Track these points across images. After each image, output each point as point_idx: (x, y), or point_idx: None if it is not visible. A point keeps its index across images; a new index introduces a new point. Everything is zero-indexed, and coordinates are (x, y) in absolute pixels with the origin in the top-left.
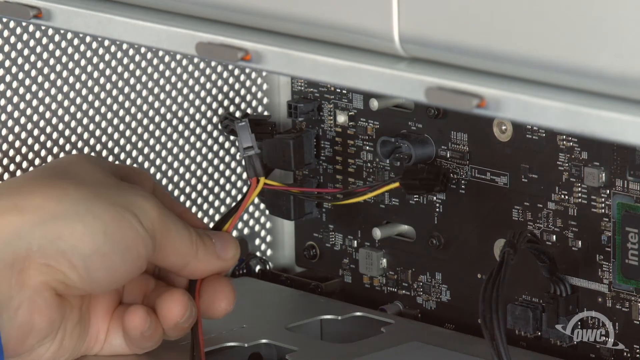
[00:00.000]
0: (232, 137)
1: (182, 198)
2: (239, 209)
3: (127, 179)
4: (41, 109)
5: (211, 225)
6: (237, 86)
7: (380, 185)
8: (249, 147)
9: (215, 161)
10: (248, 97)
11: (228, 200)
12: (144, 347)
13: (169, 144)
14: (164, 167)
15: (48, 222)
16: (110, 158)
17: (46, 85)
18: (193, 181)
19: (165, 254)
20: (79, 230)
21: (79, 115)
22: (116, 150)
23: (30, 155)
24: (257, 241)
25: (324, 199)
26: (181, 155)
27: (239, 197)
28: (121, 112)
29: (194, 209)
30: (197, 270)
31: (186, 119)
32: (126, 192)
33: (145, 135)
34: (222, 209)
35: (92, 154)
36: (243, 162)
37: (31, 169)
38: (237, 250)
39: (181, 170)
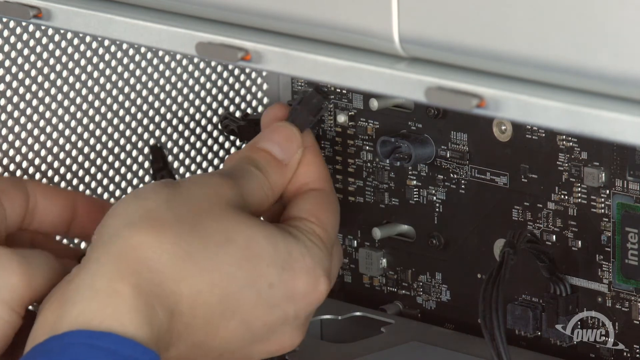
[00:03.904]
0: (232, 137)
1: None
2: None
3: (4, 194)
4: (41, 109)
5: None
6: (237, 86)
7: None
8: (160, 168)
9: (215, 161)
10: (248, 97)
11: None
12: None
13: (169, 144)
14: None
15: None
16: (110, 158)
17: (46, 85)
18: None
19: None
20: None
21: (79, 115)
22: (116, 150)
23: (30, 155)
24: None
25: None
26: (181, 155)
27: None
28: (121, 112)
29: None
30: None
31: (186, 119)
32: None
33: (146, 135)
34: None
35: (92, 154)
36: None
37: (31, 169)
38: None
39: (181, 170)
